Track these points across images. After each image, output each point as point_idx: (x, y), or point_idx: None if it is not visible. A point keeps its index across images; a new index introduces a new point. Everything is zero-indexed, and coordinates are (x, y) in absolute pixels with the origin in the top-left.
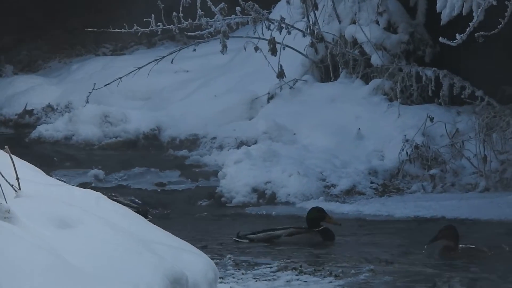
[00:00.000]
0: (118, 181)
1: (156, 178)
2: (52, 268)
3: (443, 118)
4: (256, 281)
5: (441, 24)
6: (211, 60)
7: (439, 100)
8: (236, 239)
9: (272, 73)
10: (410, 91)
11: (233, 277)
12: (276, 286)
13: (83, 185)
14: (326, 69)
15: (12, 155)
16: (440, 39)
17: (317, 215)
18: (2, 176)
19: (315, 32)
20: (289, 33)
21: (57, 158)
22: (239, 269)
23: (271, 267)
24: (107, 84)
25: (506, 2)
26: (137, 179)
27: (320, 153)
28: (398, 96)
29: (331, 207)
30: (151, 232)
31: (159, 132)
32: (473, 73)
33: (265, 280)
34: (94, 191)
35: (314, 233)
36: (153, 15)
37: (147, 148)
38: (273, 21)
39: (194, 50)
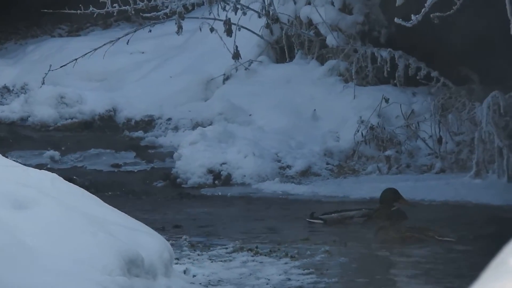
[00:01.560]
0: (73, 162)
1: (112, 159)
2: (7, 247)
3: (398, 99)
4: (211, 262)
5: (397, 5)
6: (166, 41)
7: (395, 81)
8: (309, 219)
9: (227, 54)
10: (365, 72)
11: (189, 258)
12: (231, 267)
13: (39, 166)
14: (282, 50)
15: None
16: (396, 19)
17: (392, 196)
18: None
19: (271, 13)
20: (244, 14)
21: (13, 139)
22: (194, 250)
23: (226, 248)
24: (63, 66)
25: None
26: (93, 160)
27: (275, 134)
28: (353, 77)
29: (287, 188)
30: (107, 213)
31: (114, 113)
32: (429, 54)
33: (221, 261)
34: (50, 172)
35: (387, 214)
36: None
37: (103, 129)
38: (228, 1)
39: (150, 31)
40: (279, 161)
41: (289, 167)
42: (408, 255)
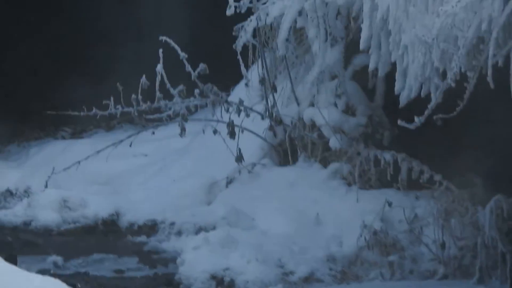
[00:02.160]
0: (77, 268)
1: (115, 264)
2: None
3: (401, 203)
4: None
5: (400, 106)
6: (170, 143)
7: (398, 185)
8: None
9: (230, 156)
10: (368, 175)
11: None
12: None
13: (42, 272)
14: (285, 152)
15: None
16: (399, 122)
17: None
18: None
19: (274, 115)
20: (247, 115)
21: (16, 244)
22: None
23: None
24: (66, 169)
25: (465, 84)
26: (96, 265)
27: (278, 238)
28: (356, 180)
29: None
30: None
31: (117, 217)
32: (432, 158)
33: None
34: (53, 279)
35: None
36: (112, 97)
37: (106, 234)
38: (232, 103)
39: (153, 133)
40: (282, 266)
41: (292, 273)
42: None
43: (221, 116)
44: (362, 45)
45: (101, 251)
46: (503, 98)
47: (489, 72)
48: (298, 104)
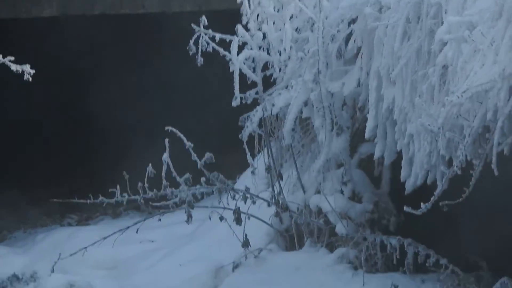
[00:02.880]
0: None
1: None
2: None
3: (408, 287)
4: None
5: (406, 193)
6: (176, 229)
7: (404, 268)
8: None
9: (237, 242)
10: (374, 259)
11: None
12: None
13: None
14: (291, 238)
15: None
16: (405, 208)
17: None
18: None
19: (280, 202)
20: (254, 202)
21: None
22: None
23: None
24: (72, 254)
25: (471, 172)
26: None
27: None
28: (363, 264)
29: None
30: None
31: None
32: (438, 242)
33: None
34: None
35: None
36: (118, 185)
37: None
38: (238, 191)
39: (159, 220)
40: None
41: None
42: None
43: (228, 203)
44: (367, 135)
45: None
46: (507, 184)
47: (494, 159)
48: (304, 191)
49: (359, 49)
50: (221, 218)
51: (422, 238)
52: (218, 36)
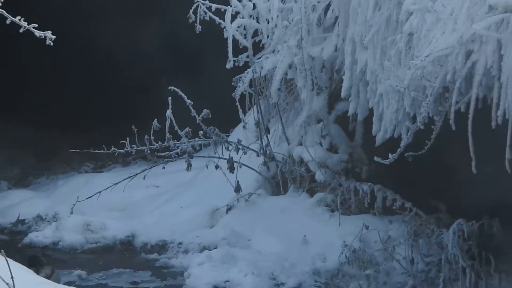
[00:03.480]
0: (98, 280)
1: (131, 277)
2: None
3: (377, 226)
4: None
5: (376, 145)
6: (178, 176)
7: (374, 211)
8: None
9: (230, 187)
10: (349, 203)
11: None
12: None
13: (69, 284)
14: (277, 184)
15: (7, 258)
16: (375, 158)
17: None
18: None
19: (267, 153)
20: (245, 153)
21: (46, 260)
22: None
23: None
24: (89, 198)
25: (432, 127)
26: (114, 278)
27: (271, 256)
28: (338, 207)
29: None
30: None
31: (133, 239)
32: (403, 188)
33: None
34: None
35: None
36: (128, 138)
37: (123, 252)
38: (231, 143)
39: (163, 168)
40: (274, 279)
41: (283, 284)
42: None
43: (222, 154)
44: (343, 94)
45: (119, 267)
46: (464, 137)
47: (452, 116)
48: (288, 143)
49: (336, 18)
50: (217, 167)
51: (390, 185)
52: (214, 6)
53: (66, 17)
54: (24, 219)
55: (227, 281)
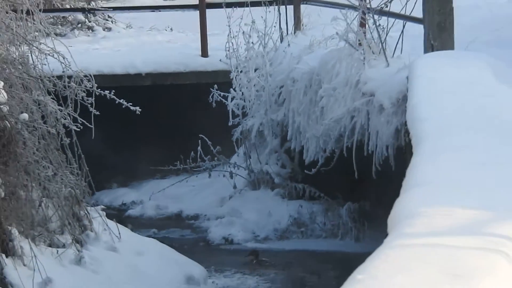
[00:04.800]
0: (163, 234)
1: (180, 233)
2: None
3: (306, 207)
4: None
5: (306, 164)
6: (203, 181)
7: (305, 198)
8: None
9: (231, 186)
10: (292, 194)
11: None
12: None
13: (148, 236)
14: (255, 184)
15: (117, 223)
16: (305, 171)
17: None
18: None
19: (250, 168)
20: (238, 168)
21: (135, 225)
22: None
23: None
24: (159, 192)
25: (334, 154)
26: (172, 233)
27: (252, 222)
28: (287, 196)
29: None
30: None
31: (181, 212)
32: (320, 185)
33: None
34: (154, 240)
35: None
36: (182, 156)
37: (176, 220)
38: (231, 163)
39: (196, 176)
40: (254, 233)
41: (258, 235)
42: None
43: (227, 168)
44: (288, 137)
45: (175, 228)
46: (351, 160)
47: (344, 149)
48: (260, 163)
49: (284, 99)
50: (225, 175)
51: (313, 184)
52: (222, 93)
53: None
54: (125, 203)
55: (229, 234)
